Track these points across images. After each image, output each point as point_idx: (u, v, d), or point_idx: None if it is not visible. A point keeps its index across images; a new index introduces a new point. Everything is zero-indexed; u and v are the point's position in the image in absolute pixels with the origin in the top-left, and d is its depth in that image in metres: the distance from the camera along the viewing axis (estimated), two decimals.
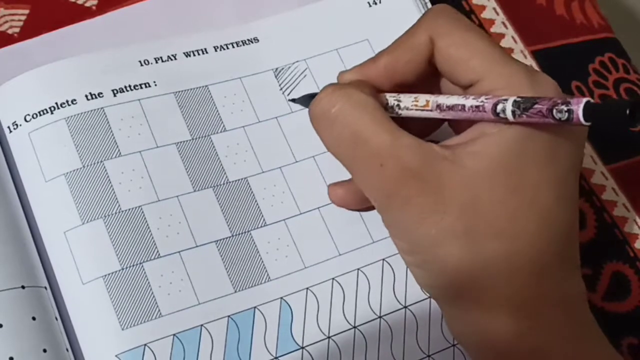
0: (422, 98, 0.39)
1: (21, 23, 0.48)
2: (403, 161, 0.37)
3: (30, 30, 0.48)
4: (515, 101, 0.36)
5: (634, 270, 0.49)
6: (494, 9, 0.54)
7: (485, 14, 0.54)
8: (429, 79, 0.41)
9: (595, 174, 0.51)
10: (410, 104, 0.39)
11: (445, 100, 0.38)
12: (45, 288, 0.40)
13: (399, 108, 0.39)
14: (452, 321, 0.39)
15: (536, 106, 0.35)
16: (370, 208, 0.44)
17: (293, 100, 0.46)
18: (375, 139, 0.37)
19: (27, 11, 0.49)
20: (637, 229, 0.50)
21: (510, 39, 0.53)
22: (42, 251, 0.41)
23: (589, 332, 0.38)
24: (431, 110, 0.39)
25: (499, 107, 0.36)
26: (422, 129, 0.42)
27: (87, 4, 0.49)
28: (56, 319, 0.40)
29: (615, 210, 0.50)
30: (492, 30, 0.53)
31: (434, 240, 0.37)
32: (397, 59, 0.40)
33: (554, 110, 0.35)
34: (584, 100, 0.34)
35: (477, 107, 0.37)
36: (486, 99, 0.37)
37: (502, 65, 0.38)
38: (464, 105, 0.37)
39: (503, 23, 0.54)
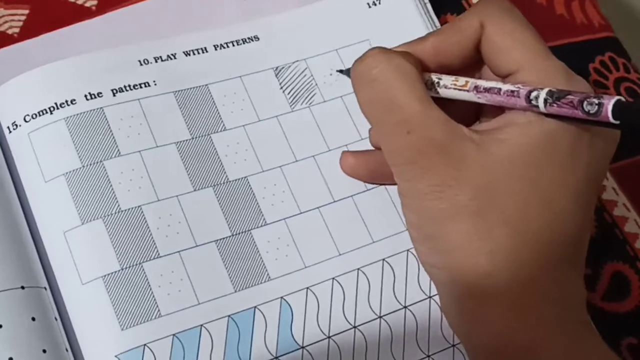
0: (462, 79, 0.40)
1: (21, 23, 0.48)
2: (430, 133, 0.38)
3: (30, 30, 0.48)
4: (550, 90, 0.37)
5: (634, 270, 0.49)
6: None
7: None
8: (472, 67, 0.41)
9: None
10: (450, 82, 0.40)
11: (484, 82, 0.39)
12: (45, 288, 0.40)
13: (439, 86, 0.40)
14: (447, 306, 0.39)
15: (569, 96, 0.36)
16: (378, 184, 0.44)
17: (341, 71, 0.46)
18: (408, 106, 0.38)
19: (27, 11, 0.49)
20: (637, 228, 0.50)
21: None
22: (41, 251, 0.41)
23: (582, 333, 0.38)
24: (468, 91, 0.39)
25: (533, 94, 0.37)
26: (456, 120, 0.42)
27: (87, 4, 0.49)
28: (56, 319, 0.40)
29: (615, 210, 0.50)
30: None
31: (444, 213, 0.37)
32: (446, 39, 0.41)
33: (585, 102, 0.35)
34: (617, 97, 0.35)
35: (512, 92, 0.38)
36: (523, 86, 0.38)
37: (543, 60, 0.39)
38: (500, 89, 0.38)
39: None
